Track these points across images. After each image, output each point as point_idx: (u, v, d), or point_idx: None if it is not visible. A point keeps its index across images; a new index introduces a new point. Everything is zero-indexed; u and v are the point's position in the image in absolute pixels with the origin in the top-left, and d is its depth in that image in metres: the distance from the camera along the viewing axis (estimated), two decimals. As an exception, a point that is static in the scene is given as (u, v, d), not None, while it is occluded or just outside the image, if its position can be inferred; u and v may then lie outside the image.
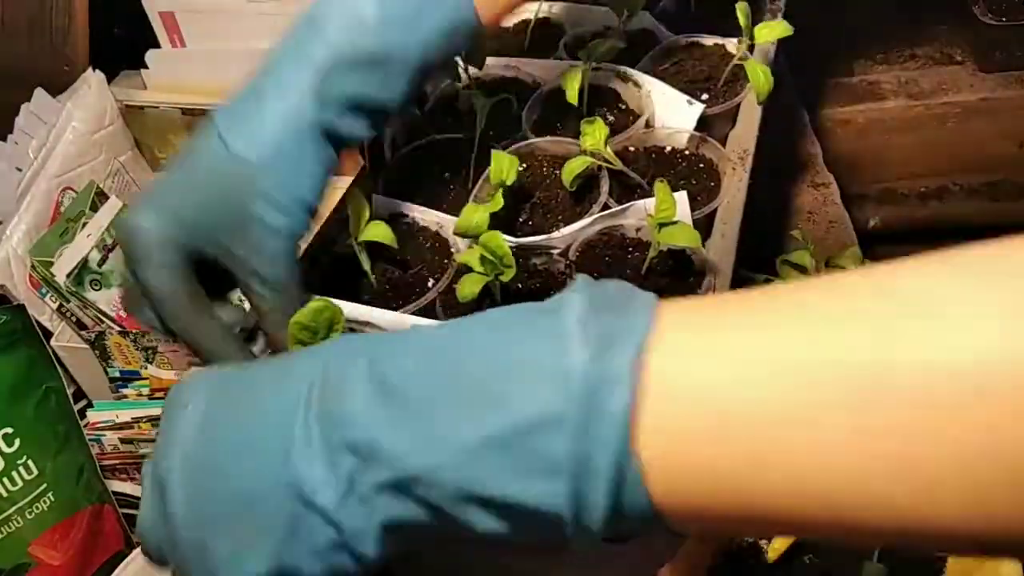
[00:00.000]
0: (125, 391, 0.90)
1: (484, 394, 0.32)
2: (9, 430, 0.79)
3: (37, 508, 0.80)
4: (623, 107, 0.77)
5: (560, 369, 0.31)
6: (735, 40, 0.79)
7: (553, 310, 0.33)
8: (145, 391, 0.90)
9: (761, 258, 0.81)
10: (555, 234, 0.65)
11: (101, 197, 0.93)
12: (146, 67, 1.01)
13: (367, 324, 0.61)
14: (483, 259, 0.56)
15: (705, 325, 0.31)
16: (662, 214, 0.59)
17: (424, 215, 0.69)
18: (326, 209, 0.74)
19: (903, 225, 1.26)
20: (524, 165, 0.72)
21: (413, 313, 0.61)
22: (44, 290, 0.89)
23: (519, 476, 0.31)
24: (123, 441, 0.88)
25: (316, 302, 0.54)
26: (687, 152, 0.73)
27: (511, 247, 0.61)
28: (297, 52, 0.55)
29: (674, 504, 0.31)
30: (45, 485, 0.81)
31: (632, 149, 0.73)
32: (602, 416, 0.30)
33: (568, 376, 0.30)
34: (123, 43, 1.04)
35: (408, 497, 0.33)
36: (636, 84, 0.77)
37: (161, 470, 0.38)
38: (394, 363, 0.35)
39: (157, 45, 1.01)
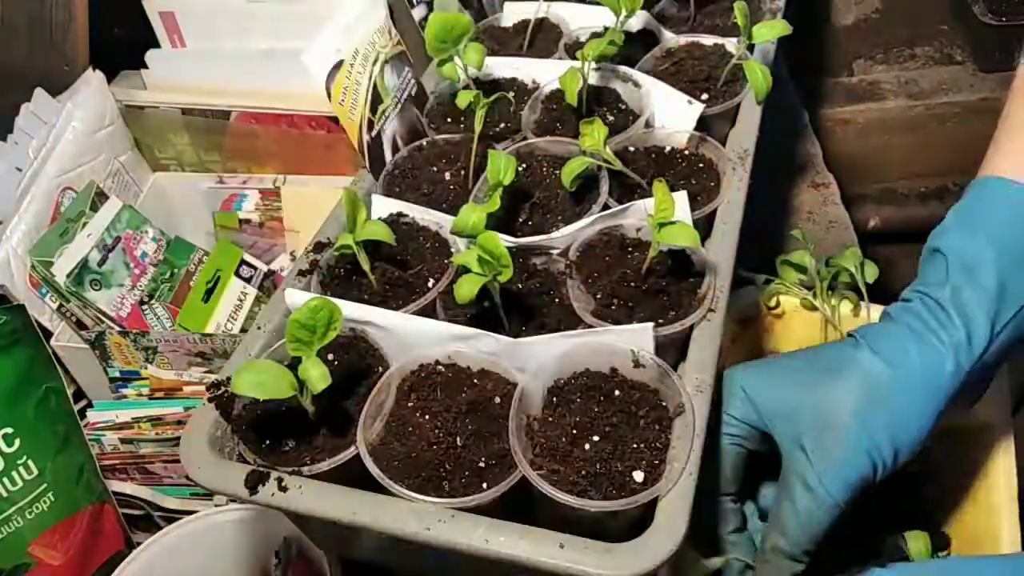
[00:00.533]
0: (125, 391, 0.90)
1: None
2: (9, 430, 0.79)
3: (37, 508, 0.80)
4: (623, 107, 0.77)
5: None
6: (735, 40, 0.79)
7: None
8: (145, 391, 0.90)
9: (761, 258, 0.81)
10: (555, 234, 0.65)
11: (101, 197, 0.93)
12: (146, 67, 1.01)
13: (367, 324, 0.61)
14: (480, 260, 0.56)
15: None
16: (661, 214, 0.58)
17: (424, 215, 0.69)
18: (326, 210, 0.74)
19: (903, 225, 1.26)
20: (524, 165, 0.72)
21: (413, 313, 0.61)
22: (44, 290, 0.89)
23: None
24: (123, 441, 0.88)
25: (313, 300, 0.54)
26: (687, 152, 0.73)
27: (511, 247, 0.60)
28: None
29: None
30: (45, 485, 0.81)
31: (632, 149, 0.73)
32: None
33: None
34: (123, 43, 1.04)
35: None
36: (636, 84, 0.77)
37: None
38: None
39: (157, 45, 1.01)
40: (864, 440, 0.53)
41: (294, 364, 0.54)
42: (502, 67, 0.83)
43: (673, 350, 0.60)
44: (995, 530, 0.68)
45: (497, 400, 0.57)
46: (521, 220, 0.69)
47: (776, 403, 0.57)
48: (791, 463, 0.56)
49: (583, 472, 0.52)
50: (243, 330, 0.93)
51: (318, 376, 0.53)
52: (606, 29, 0.83)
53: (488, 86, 0.81)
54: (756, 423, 0.59)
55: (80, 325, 0.89)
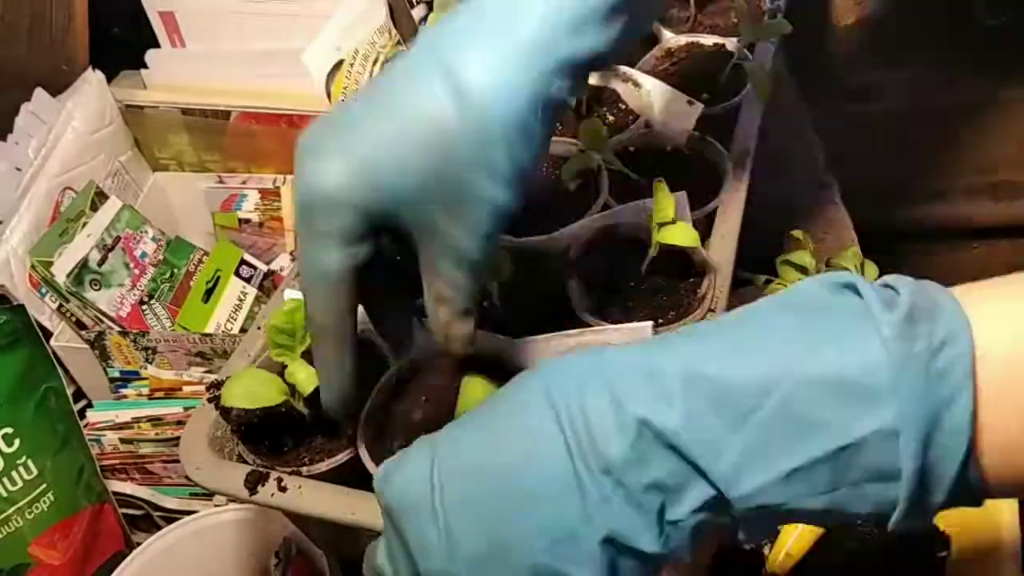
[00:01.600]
0: (125, 391, 0.90)
1: (802, 415, 0.32)
2: (9, 430, 0.79)
3: (37, 508, 0.80)
4: (623, 107, 0.77)
5: (889, 384, 0.31)
6: (735, 40, 0.79)
7: (860, 317, 0.33)
8: (145, 391, 0.90)
9: (761, 258, 0.81)
10: (555, 234, 0.65)
11: (101, 197, 0.93)
12: (146, 67, 1.01)
13: (367, 323, 0.61)
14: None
15: (1013, 314, 0.32)
16: (661, 214, 0.58)
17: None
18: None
19: (903, 225, 1.26)
20: (524, 165, 0.72)
21: (413, 313, 0.61)
22: (44, 290, 0.89)
23: (849, 491, 0.32)
24: (123, 441, 0.88)
25: (288, 303, 0.54)
26: (687, 152, 0.73)
27: (510, 247, 0.61)
28: None
29: (1003, 484, 0.32)
30: (45, 485, 0.81)
31: (632, 149, 0.73)
32: (945, 428, 0.31)
33: (900, 392, 0.31)
34: (123, 43, 1.04)
35: (722, 513, 0.34)
36: (636, 84, 0.77)
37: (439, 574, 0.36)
38: (661, 393, 0.34)
39: (157, 45, 1.01)
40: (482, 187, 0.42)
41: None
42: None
43: (673, 350, 0.59)
44: (995, 531, 0.68)
45: (497, 400, 0.57)
46: (521, 220, 0.69)
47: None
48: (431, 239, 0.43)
49: (583, 472, 0.51)
50: (243, 330, 0.93)
51: (305, 378, 0.53)
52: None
53: (488, 86, 0.81)
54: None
55: (80, 325, 0.89)
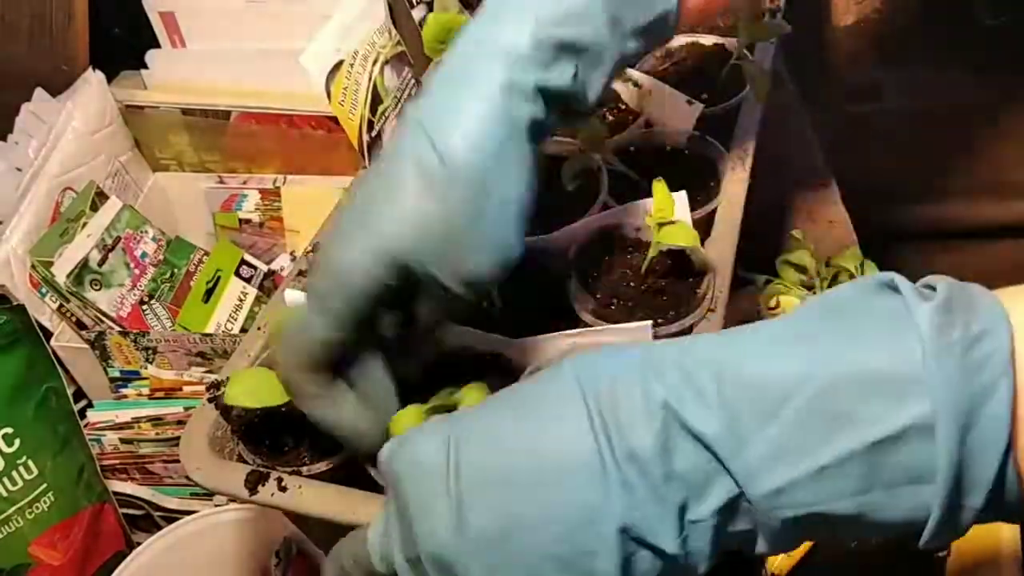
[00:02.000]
0: (125, 391, 0.90)
1: (834, 409, 0.31)
2: (9, 430, 0.79)
3: (37, 508, 0.80)
4: (623, 107, 0.77)
5: (925, 375, 0.30)
6: (735, 40, 0.79)
7: (897, 313, 0.32)
8: (145, 391, 0.90)
9: (761, 258, 0.81)
10: (554, 234, 0.65)
11: (101, 197, 0.93)
12: (146, 67, 1.01)
13: (367, 324, 0.61)
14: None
15: None
16: (661, 214, 0.59)
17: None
18: (326, 210, 0.74)
19: (903, 225, 1.26)
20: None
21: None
22: (44, 290, 0.89)
23: (882, 494, 0.31)
24: (123, 441, 0.88)
25: (296, 307, 0.53)
26: (687, 152, 0.73)
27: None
28: (492, 37, 0.47)
29: None
30: (45, 485, 0.81)
31: (632, 149, 0.73)
32: (983, 420, 0.30)
33: (936, 382, 0.30)
34: (123, 43, 1.04)
35: (744, 515, 0.33)
36: (636, 84, 0.77)
37: (440, 552, 0.35)
38: (691, 384, 0.33)
39: (157, 45, 1.01)
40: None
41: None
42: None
43: (673, 350, 0.60)
44: (995, 529, 0.68)
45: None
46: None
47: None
48: None
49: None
50: (243, 330, 0.93)
51: None
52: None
53: (488, 86, 0.81)
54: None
55: (80, 325, 0.89)
